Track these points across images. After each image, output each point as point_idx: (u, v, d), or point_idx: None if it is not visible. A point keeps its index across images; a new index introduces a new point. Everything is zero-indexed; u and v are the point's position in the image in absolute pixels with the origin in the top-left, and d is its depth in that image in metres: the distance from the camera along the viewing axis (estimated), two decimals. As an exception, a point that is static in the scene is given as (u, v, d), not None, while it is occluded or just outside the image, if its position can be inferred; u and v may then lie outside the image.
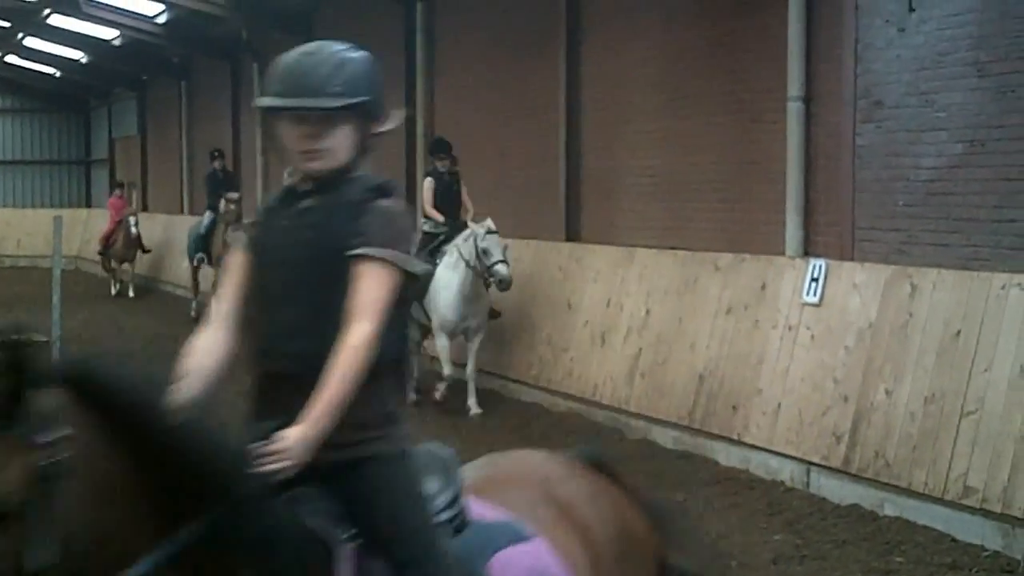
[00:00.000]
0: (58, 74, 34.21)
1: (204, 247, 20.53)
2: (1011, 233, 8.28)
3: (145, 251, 26.01)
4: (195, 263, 20.93)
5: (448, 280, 11.88)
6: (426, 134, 16.86)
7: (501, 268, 11.57)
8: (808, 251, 10.07)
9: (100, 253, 26.80)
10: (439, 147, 13.39)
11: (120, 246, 25.61)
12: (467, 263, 11.80)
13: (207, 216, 20.73)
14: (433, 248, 12.37)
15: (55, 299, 12.26)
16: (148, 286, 26.79)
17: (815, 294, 9.51)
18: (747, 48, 10.89)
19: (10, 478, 2.56)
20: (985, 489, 7.72)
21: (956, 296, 8.36)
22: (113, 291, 26.17)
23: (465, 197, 13.09)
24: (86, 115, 38.59)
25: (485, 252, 11.64)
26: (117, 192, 27.86)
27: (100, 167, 37.15)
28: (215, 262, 19.73)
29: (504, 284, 11.61)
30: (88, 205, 36.47)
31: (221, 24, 22.80)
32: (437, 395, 12.27)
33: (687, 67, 11.69)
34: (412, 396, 11.56)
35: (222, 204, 19.71)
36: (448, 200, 12.91)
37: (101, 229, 27.53)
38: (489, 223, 11.88)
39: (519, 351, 13.14)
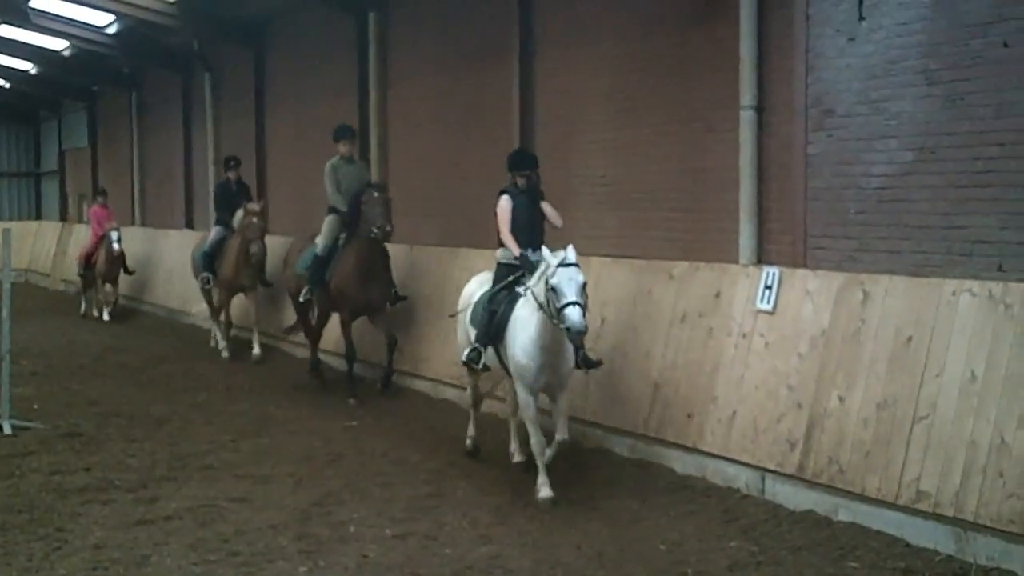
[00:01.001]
0: (7, 85, 33.81)
1: (210, 266, 18.19)
2: (961, 239, 8.34)
3: (129, 272, 23.52)
4: (202, 283, 18.65)
5: (525, 322, 9.36)
6: (379, 144, 16.82)
7: (571, 313, 8.60)
8: (761, 259, 10.11)
9: (80, 274, 24.38)
10: (522, 163, 10.58)
11: (102, 264, 22.99)
12: (540, 306, 9.13)
13: (215, 232, 18.39)
14: (511, 283, 9.99)
15: (4, 312, 12.03)
16: (129, 307, 25.10)
17: (768, 302, 9.55)
18: (699, 58, 10.93)
19: None
20: (937, 494, 7.77)
21: (908, 302, 8.42)
22: (91, 310, 24.17)
23: (551, 213, 10.46)
24: (36, 127, 38.26)
25: (554, 291, 8.76)
26: (99, 200, 24.48)
27: (50, 179, 36.87)
28: (233, 284, 17.77)
29: (574, 333, 8.70)
30: (38, 218, 36.07)
31: (172, 35, 22.67)
32: (514, 458, 10.54)
33: (640, 77, 11.72)
34: (468, 444, 10.92)
35: (238, 217, 17.35)
36: (528, 224, 10.32)
37: (81, 244, 25.31)
38: (567, 253, 8.99)
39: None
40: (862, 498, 8.32)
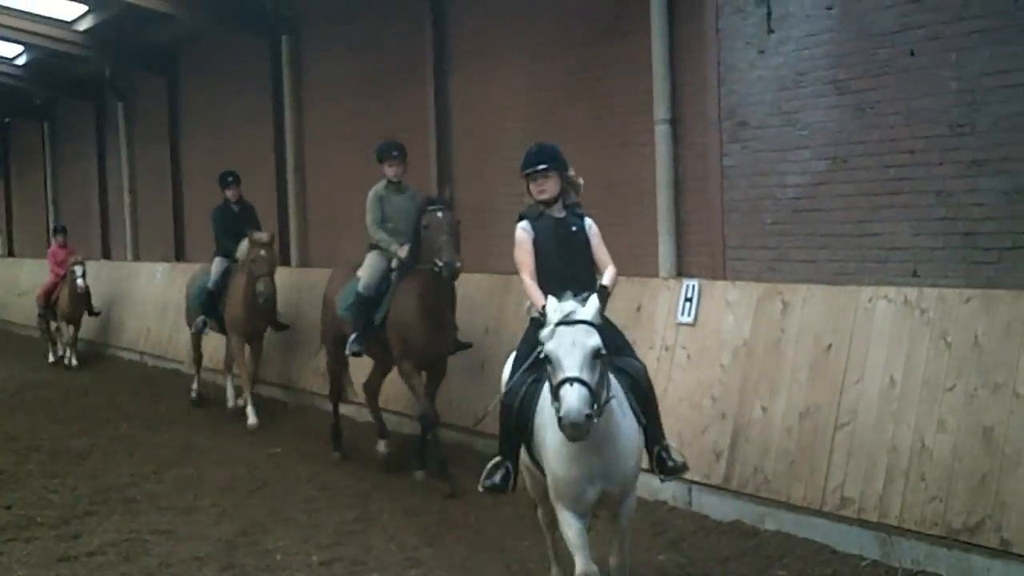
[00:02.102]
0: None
1: (211, 309, 14.82)
2: (875, 247, 8.40)
3: (93, 312, 20.70)
4: (195, 329, 15.32)
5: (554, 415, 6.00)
6: (296, 168, 16.65)
7: (566, 397, 5.70)
8: (681, 272, 10.12)
9: (40, 315, 21.78)
10: (531, 159, 7.30)
11: (66, 303, 20.39)
12: None
13: (217, 265, 14.84)
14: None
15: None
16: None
17: (689, 314, 9.55)
18: (613, 73, 10.94)
19: None
20: (861, 499, 7.79)
21: (826, 311, 8.46)
22: (52, 357, 21.54)
23: (599, 250, 7.23)
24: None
25: (550, 361, 5.92)
26: (58, 239, 21.75)
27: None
28: (244, 329, 14.31)
29: (566, 425, 5.67)
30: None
31: (84, 64, 22.31)
32: None
33: (554, 94, 11.71)
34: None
35: (243, 248, 14.11)
36: (560, 259, 7.05)
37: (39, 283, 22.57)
38: (573, 305, 6.03)
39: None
40: (788, 506, 8.33)
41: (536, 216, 7.15)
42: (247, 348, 14.39)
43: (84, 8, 19.29)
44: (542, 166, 7.18)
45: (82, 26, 19.97)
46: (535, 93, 12.03)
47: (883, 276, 8.29)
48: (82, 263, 20.12)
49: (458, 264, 9.94)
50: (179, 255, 21.04)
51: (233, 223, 14.68)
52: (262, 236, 13.81)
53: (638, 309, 10.09)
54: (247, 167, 17.94)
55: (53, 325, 21.52)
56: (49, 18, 19.98)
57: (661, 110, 10.15)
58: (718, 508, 8.92)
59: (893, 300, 7.97)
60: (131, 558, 8.55)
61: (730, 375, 9.08)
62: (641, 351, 9.76)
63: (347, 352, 11.47)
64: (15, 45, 22.31)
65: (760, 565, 7.84)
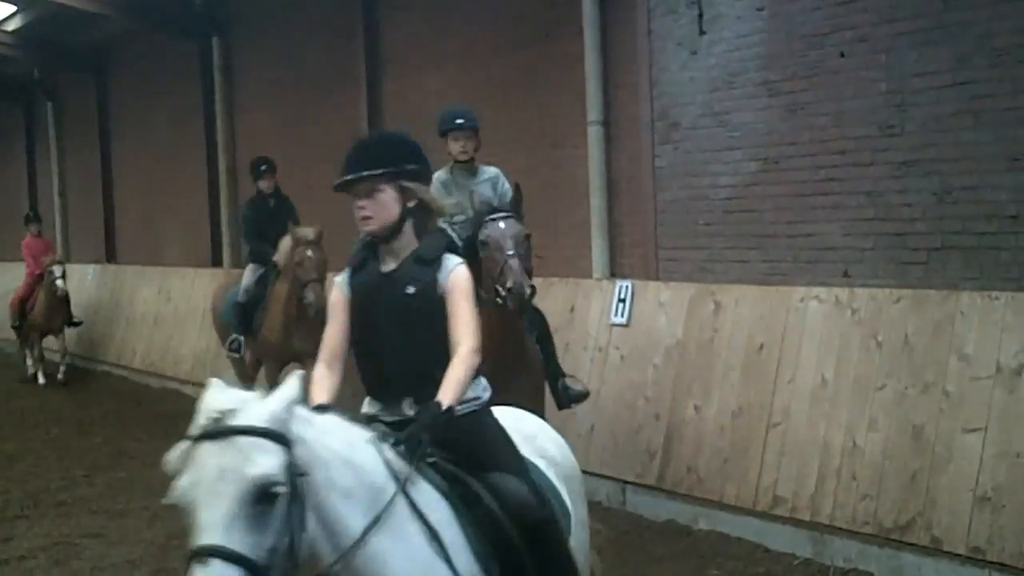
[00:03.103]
0: None
1: (246, 323, 11.60)
2: (807, 247, 8.35)
3: (73, 323, 17.67)
4: (229, 347, 11.90)
5: None
6: (228, 171, 16.38)
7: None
8: (614, 272, 10.02)
9: (14, 326, 18.12)
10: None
11: (42, 311, 17.19)
12: None
13: (250, 272, 11.85)
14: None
15: None
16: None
17: (623, 315, 9.45)
18: (546, 76, 10.82)
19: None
20: (794, 498, 7.72)
21: (758, 310, 8.39)
22: (38, 376, 17.75)
23: (455, 318, 4.21)
24: None
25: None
26: (32, 229, 18.28)
27: None
28: (284, 349, 11.03)
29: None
30: None
31: (12, 64, 21.79)
32: None
33: (487, 97, 11.54)
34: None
35: (284, 248, 11.12)
36: (392, 335, 4.27)
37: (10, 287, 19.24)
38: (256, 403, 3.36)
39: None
40: (721, 505, 8.25)
41: (359, 264, 4.46)
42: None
43: (12, 8, 18.87)
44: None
45: (10, 26, 19.54)
46: (467, 95, 11.84)
47: (814, 276, 8.24)
48: (61, 262, 17.28)
49: (529, 289, 6.84)
50: (110, 256, 20.62)
51: (269, 220, 11.75)
52: (307, 232, 10.78)
53: (571, 310, 9.97)
54: (178, 169, 17.68)
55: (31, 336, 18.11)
56: (-24, 18, 19.53)
57: (594, 112, 10.04)
58: (652, 507, 8.81)
59: (824, 300, 7.92)
60: (62, 562, 8.35)
61: (663, 375, 8.98)
62: (574, 352, 9.71)
63: None
64: (-59, 45, 21.76)
65: (694, 565, 7.74)
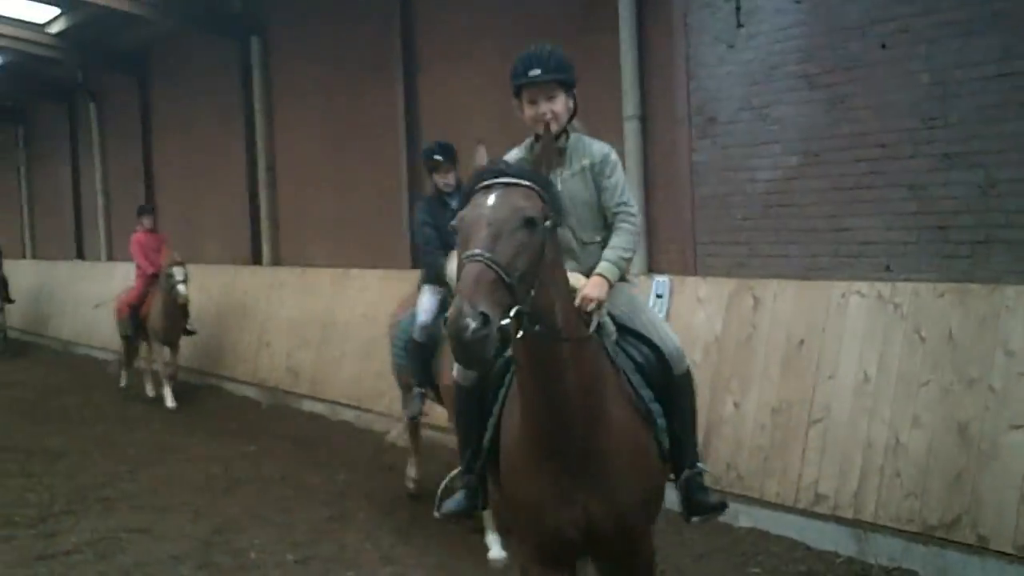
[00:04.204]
0: None
1: (424, 372, 8.49)
2: (848, 241, 8.15)
3: (189, 331, 15.10)
4: (411, 414, 9.13)
5: None
6: (268, 168, 16.32)
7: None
8: (652, 268, 9.83)
9: (125, 335, 15.74)
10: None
11: (159, 318, 14.73)
12: None
13: (427, 297, 8.51)
14: None
15: None
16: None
17: (661, 310, 9.25)
18: (582, 71, 10.58)
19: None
20: (836, 496, 7.52)
21: (798, 306, 8.18)
22: (152, 391, 15.62)
23: None
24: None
25: None
26: (145, 223, 15.65)
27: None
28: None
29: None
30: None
31: (57, 67, 21.90)
32: None
33: (524, 90, 11.41)
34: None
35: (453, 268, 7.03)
36: None
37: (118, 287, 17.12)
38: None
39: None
40: (761, 503, 8.05)
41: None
42: None
43: (56, 11, 18.90)
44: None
45: (54, 29, 19.56)
46: (503, 90, 11.59)
47: (855, 271, 8.03)
48: (182, 264, 14.43)
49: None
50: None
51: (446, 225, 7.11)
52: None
53: (609, 306, 9.79)
54: (218, 166, 17.64)
55: (141, 347, 15.89)
56: (22, 21, 19.56)
57: (630, 107, 9.85)
58: (692, 505, 8.63)
59: (866, 295, 7.70)
60: (107, 556, 8.30)
61: (702, 371, 8.76)
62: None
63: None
64: (-12, 49, 21.87)
65: (735, 562, 7.56)
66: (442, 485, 5.21)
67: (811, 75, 8.32)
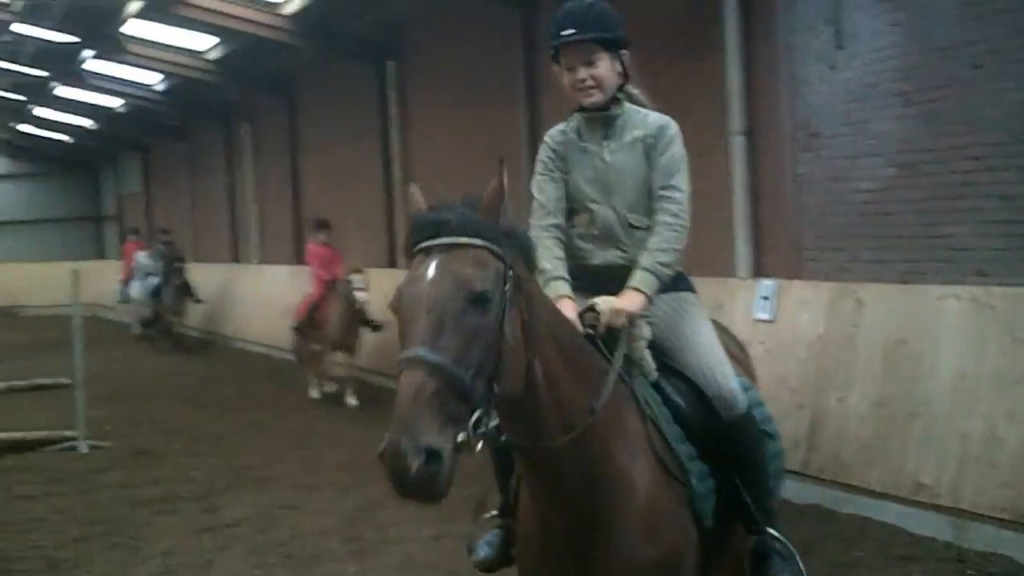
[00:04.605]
0: (69, 140, 33.82)
1: None
2: (943, 247, 8.08)
3: (374, 327, 13.95)
4: None
5: None
6: (403, 180, 16.62)
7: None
8: (759, 272, 9.83)
9: (295, 327, 15.12)
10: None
11: (337, 325, 14.13)
12: None
13: None
14: None
15: (76, 344, 11.93)
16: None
17: (767, 312, 9.27)
18: (690, 89, 10.67)
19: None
20: (935, 485, 7.47)
21: (897, 308, 8.13)
22: (315, 392, 15.12)
23: None
24: (95, 175, 38.41)
25: None
26: (320, 236, 15.00)
27: (109, 222, 36.95)
28: None
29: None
30: (101, 257, 35.98)
31: (215, 89, 22.56)
32: None
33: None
34: None
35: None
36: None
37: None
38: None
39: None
40: (864, 491, 8.02)
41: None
42: None
43: (215, 40, 19.50)
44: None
45: (213, 55, 20.21)
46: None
47: (951, 275, 7.95)
48: (361, 271, 13.97)
49: None
50: (298, 258, 21.16)
51: None
52: None
53: (721, 307, 9.82)
54: (358, 180, 18.02)
55: (314, 348, 15.11)
56: (184, 49, 20.30)
57: (736, 123, 9.88)
58: (798, 493, 8.60)
59: (962, 298, 7.63)
60: (264, 530, 8.57)
61: (806, 368, 8.78)
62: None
63: None
64: (155, 73, 22.64)
65: (840, 547, 7.53)
66: (474, 515, 4.42)
67: (907, 93, 8.27)
